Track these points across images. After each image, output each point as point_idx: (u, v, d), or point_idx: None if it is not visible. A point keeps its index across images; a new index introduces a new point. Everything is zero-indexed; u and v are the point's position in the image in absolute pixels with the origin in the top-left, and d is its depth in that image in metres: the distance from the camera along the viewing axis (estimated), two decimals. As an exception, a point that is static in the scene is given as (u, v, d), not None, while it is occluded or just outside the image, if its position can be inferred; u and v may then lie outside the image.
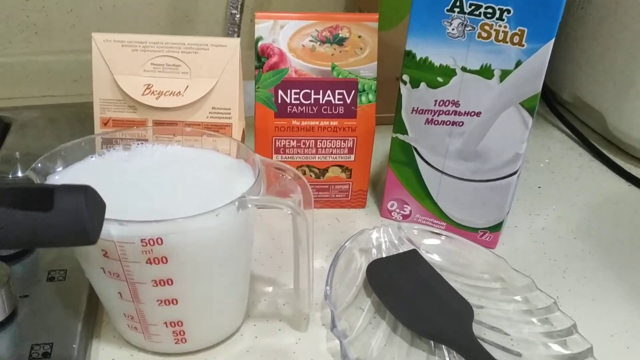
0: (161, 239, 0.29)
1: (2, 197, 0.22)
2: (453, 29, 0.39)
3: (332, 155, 0.47)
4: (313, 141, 0.46)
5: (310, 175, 0.47)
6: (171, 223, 0.29)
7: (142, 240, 0.29)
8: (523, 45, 0.38)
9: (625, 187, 0.55)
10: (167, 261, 0.30)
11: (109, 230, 0.29)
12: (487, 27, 0.38)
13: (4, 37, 0.61)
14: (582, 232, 0.49)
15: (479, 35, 0.39)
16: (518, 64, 0.39)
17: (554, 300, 0.39)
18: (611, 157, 0.59)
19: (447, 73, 0.41)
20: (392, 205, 0.48)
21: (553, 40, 0.37)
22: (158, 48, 0.39)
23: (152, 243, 0.29)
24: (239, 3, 0.58)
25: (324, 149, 0.46)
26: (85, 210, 0.22)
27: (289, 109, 0.45)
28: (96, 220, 0.23)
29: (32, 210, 0.22)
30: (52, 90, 0.65)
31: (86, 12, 0.61)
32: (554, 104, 0.67)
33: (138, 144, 0.36)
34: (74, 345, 0.34)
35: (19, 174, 0.43)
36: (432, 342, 0.37)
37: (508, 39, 0.38)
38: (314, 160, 0.47)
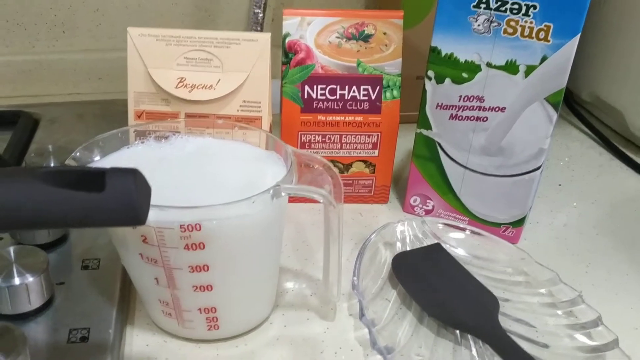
0: (200, 224, 0.30)
1: (57, 178, 0.23)
2: (479, 25, 0.40)
3: (357, 151, 0.47)
4: (338, 136, 0.47)
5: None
6: (210, 209, 0.30)
7: (181, 225, 0.30)
8: (549, 41, 0.39)
9: (646, 185, 0.56)
10: (204, 247, 0.31)
11: (150, 215, 0.29)
12: (512, 23, 0.39)
13: (32, 35, 0.63)
14: (604, 228, 0.49)
15: (505, 31, 0.39)
16: (543, 59, 0.39)
17: (579, 293, 0.39)
18: (632, 156, 0.59)
19: (472, 69, 0.41)
20: (414, 201, 0.49)
21: (579, 35, 0.38)
22: (191, 42, 0.40)
23: (190, 229, 0.30)
24: (262, 2, 0.59)
25: (348, 144, 0.47)
26: (135, 191, 0.23)
27: (315, 105, 0.46)
28: (144, 201, 0.24)
29: (86, 190, 0.23)
30: (77, 88, 0.66)
31: (112, 11, 0.63)
32: (572, 104, 0.67)
33: (171, 135, 0.37)
34: (110, 331, 0.35)
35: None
36: (458, 332, 0.37)
37: (534, 35, 0.39)
38: (339, 155, 0.47)
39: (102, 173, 0.23)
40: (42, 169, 0.23)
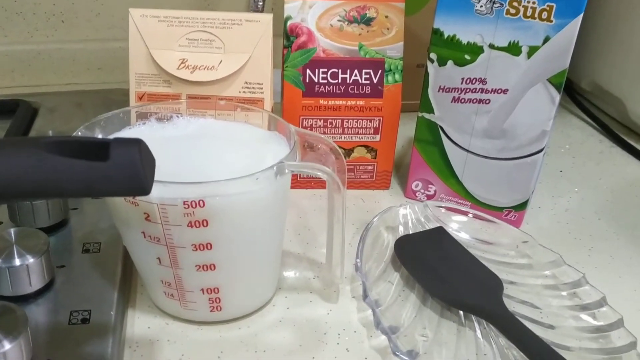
0: (203, 201, 0.30)
1: (62, 148, 0.22)
2: (481, 6, 0.40)
3: (358, 135, 0.47)
4: (339, 121, 0.46)
5: (336, 155, 0.48)
6: (213, 185, 0.29)
7: (184, 202, 0.29)
8: (551, 21, 0.38)
9: (647, 172, 0.56)
10: (207, 224, 0.31)
11: (152, 192, 0.29)
12: (515, 4, 0.39)
13: (31, 25, 0.63)
14: (606, 213, 0.49)
15: (507, 12, 0.39)
16: (546, 40, 0.39)
17: (583, 275, 0.39)
18: (632, 143, 0.59)
19: (475, 50, 0.41)
20: (416, 186, 0.48)
21: (582, 15, 0.38)
22: (193, 23, 0.40)
23: (194, 205, 0.30)
24: (263, -10, 0.58)
25: (350, 129, 0.47)
26: (139, 160, 0.23)
27: (316, 88, 0.45)
28: (149, 171, 0.23)
29: (90, 160, 0.22)
30: (76, 78, 0.66)
31: (111, 0, 0.63)
32: (573, 93, 0.67)
33: (173, 116, 0.37)
34: (111, 312, 0.34)
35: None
36: (462, 313, 0.37)
37: (536, 15, 0.39)
38: (341, 140, 0.47)
39: (106, 143, 0.23)
40: (46, 138, 0.23)
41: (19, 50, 0.63)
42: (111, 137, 0.35)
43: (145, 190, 0.23)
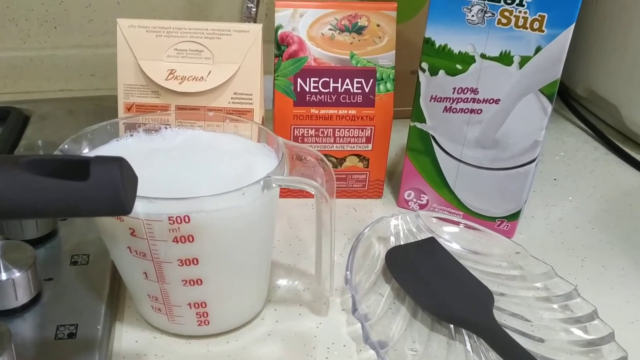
0: (188, 216, 0.29)
1: (40, 167, 0.22)
2: (473, 16, 0.39)
3: (350, 145, 0.47)
4: (331, 130, 0.46)
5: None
6: (198, 200, 0.29)
7: (169, 217, 0.29)
8: (543, 31, 0.38)
9: (641, 180, 0.55)
10: (193, 240, 0.30)
11: (137, 207, 0.29)
12: (506, 13, 0.39)
13: (24, 31, 0.62)
14: (600, 222, 0.49)
15: (499, 22, 0.39)
16: (538, 50, 0.39)
17: (574, 287, 0.39)
18: (627, 150, 0.59)
19: (466, 60, 0.41)
20: (409, 195, 0.48)
21: (573, 25, 0.37)
22: (181, 34, 0.40)
23: (179, 221, 0.29)
24: (256, -3, 0.58)
25: (341, 138, 0.46)
26: (120, 180, 0.22)
27: (307, 98, 0.45)
28: (130, 190, 0.23)
29: (69, 179, 0.22)
30: (69, 85, 0.65)
31: (104, 6, 0.62)
32: (568, 99, 0.67)
33: (161, 128, 0.37)
34: (98, 327, 0.34)
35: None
36: (452, 326, 0.37)
37: (528, 25, 0.38)
38: (332, 149, 0.47)
39: (86, 161, 0.23)
40: (25, 157, 0.22)
41: (11, 56, 0.63)
42: (98, 149, 0.35)
43: (126, 210, 0.23)
